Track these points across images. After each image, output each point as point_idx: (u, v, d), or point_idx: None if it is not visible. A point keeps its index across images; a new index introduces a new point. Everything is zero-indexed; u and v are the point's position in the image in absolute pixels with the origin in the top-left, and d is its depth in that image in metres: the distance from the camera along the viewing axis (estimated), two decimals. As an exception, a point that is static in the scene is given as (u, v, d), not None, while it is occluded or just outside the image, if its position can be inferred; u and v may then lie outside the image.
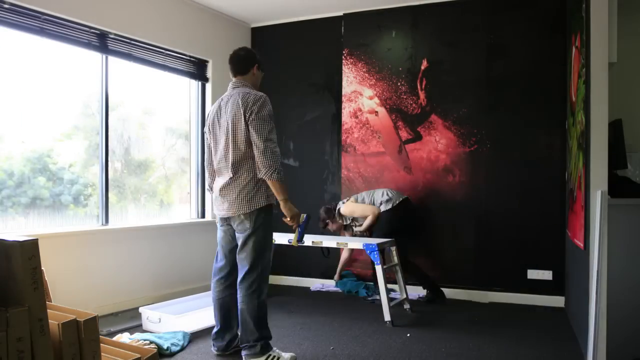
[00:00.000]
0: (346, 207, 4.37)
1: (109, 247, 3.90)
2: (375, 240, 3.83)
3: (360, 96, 4.90)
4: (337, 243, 3.93)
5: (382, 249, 3.77)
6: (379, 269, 3.68)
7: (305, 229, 2.99)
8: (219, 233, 3.01)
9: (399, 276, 4.00)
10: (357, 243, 3.82)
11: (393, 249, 3.97)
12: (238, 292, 2.85)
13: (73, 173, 3.84)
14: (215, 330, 3.04)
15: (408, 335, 3.41)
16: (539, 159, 4.29)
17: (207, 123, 2.97)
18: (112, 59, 4.01)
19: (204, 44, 4.81)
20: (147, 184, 4.50)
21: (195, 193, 4.90)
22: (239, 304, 2.84)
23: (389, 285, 4.04)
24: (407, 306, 4.01)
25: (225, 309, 2.99)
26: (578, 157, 3.23)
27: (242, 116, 2.72)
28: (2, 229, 3.35)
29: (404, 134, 4.73)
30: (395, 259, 3.97)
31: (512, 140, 4.38)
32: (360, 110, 4.90)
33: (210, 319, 3.44)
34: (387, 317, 3.65)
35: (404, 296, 4.00)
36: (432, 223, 4.61)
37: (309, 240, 3.88)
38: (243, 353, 2.84)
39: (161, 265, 4.33)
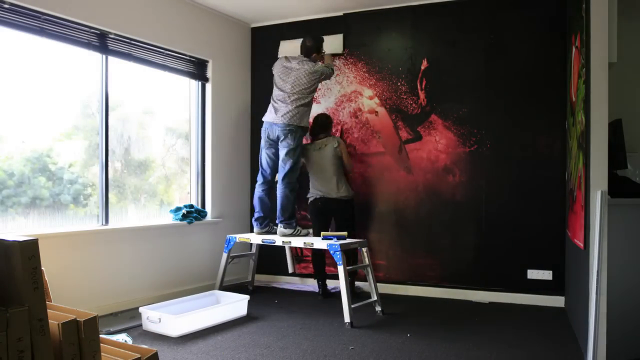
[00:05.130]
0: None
1: (109, 247, 3.90)
2: (340, 241, 3.82)
3: (360, 96, 4.89)
4: (304, 243, 4.00)
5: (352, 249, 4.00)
6: (340, 269, 3.64)
7: None
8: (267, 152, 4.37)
9: (370, 277, 3.97)
10: (321, 244, 3.86)
11: (364, 249, 3.97)
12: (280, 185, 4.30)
13: (73, 173, 3.84)
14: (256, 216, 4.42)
15: (408, 335, 3.41)
16: (539, 159, 4.29)
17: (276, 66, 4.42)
18: (112, 59, 4.01)
19: (204, 44, 4.81)
20: (147, 184, 4.50)
21: (195, 193, 4.89)
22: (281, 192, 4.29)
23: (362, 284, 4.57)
24: (378, 309, 3.94)
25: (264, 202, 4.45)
26: (578, 157, 3.23)
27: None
28: (2, 229, 3.35)
29: (404, 134, 4.73)
30: (367, 260, 3.96)
31: (512, 140, 4.38)
32: (360, 110, 4.89)
33: (209, 319, 3.59)
34: (347, 318, 3.58)
35: (374, 298, 3.95)
36: (432, 223, 4.62)
37: (279, 239, 4.21)
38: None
39: (161, 265, 4.33)
